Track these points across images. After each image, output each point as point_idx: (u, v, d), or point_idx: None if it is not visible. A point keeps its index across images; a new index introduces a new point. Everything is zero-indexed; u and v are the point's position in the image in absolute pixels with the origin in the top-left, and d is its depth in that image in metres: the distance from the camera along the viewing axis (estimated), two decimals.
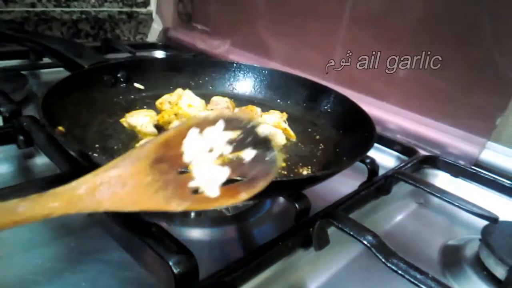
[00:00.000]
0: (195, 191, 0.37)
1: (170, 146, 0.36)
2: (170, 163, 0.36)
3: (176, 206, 0.35)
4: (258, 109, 0.77)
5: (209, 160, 0.37)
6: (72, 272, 0.47)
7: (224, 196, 0.37)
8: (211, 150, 0.37)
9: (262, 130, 0.40)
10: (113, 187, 0.34)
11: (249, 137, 0.39)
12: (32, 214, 0.31)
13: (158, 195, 0.35)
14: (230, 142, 0.38)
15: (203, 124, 0.37)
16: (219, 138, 0.38)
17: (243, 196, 0.38)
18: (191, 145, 0.37)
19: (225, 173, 0.37)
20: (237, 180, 0.38)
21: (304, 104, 0.85)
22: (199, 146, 0.37)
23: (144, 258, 0.51)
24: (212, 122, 0.38)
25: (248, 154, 0.39)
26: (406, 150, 0.85)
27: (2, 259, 0.48)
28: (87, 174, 0.34)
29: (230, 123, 0.38)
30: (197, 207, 0.37)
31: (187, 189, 0.36)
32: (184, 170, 0.37)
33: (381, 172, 0.72)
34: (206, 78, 0.91)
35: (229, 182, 0.38)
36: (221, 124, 0.38)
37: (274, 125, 0.73)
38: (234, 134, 0.38)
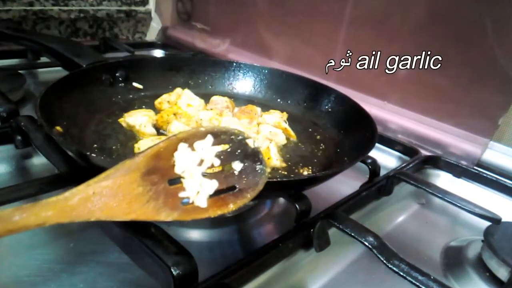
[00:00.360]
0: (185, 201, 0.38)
1: (161, 158, 0.38)
2: (161, 174, 0.38)
3: (166, 216, 0.37)
4: (258, 109, 0.77)
5: (198, 172, 0.39)
6: (70, 273, 0.47)
7: (212, 206, 0.39)
8: (201, 163, 0.39)
9: (251, 143, 0.42)
10: (105, 197, 0.35)
11: (238, 149, 0.41)
12: (26, 223, 0.31)
13: (149, 205, 0.36)
14: (219, 155, 0.40)
15: (193, 137, 0.39)
16: (208, 152, 0.40)
17: (231, 207, 0.39)
18: (181, 158, 0.38)
19: (213, 185, 0.39)
20: (226, 191, 0.40)
21: (305, 104, 0.85)
22: (189, 158, 0.39)
23: (143, 259, 0.50)
24: (202, 136, 0.40)
25: (237, 166, 0.40)
26: (407, 150, 0.85)
27: (1, 260, 0.48)
28: (80, 185, 0.35)
29: (219, 137, 0.40)
30: (186, 217, 0.38)
31: (177, 199, 0.38)
32: (174, 181, 0.38)
33: (382, 172, 0.72)
34: (206, 78, 0.91)
35: (218, 193, 0.39)
36: (210, 138, 0.40)
37: (274, 125, 0.72)
38: (223, 147, 0.40)
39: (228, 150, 0.41)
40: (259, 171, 0.41)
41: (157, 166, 0.37)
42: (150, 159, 0.37)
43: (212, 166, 0.40)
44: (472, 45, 0.80)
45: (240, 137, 0.42)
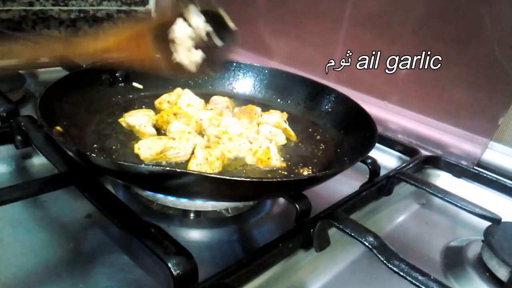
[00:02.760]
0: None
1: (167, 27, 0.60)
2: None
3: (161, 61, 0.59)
4: (258, 109, 0.77)
5: (190, 43, 0.60)
6: (70, 273, 0.47)
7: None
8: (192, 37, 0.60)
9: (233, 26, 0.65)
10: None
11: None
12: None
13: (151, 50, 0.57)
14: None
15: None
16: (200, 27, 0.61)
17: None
18: (178, 29, 0.59)
19: (200, 54, 0.63)
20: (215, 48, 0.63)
21: (305, 104, 0.85)
22: (184, 31, 0.59)
23: (143, 259, 0.50)
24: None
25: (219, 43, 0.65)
26: (407, 150, 0.85)
27: (1, 260, 0.48)
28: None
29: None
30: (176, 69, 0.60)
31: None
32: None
33: (382, 172, 0.72)
34: (206, 78, 0.91)
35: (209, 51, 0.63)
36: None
37: (274, 125, 0.72)
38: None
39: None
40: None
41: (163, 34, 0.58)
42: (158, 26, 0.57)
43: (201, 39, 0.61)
44: (472, 45, 0.80)
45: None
